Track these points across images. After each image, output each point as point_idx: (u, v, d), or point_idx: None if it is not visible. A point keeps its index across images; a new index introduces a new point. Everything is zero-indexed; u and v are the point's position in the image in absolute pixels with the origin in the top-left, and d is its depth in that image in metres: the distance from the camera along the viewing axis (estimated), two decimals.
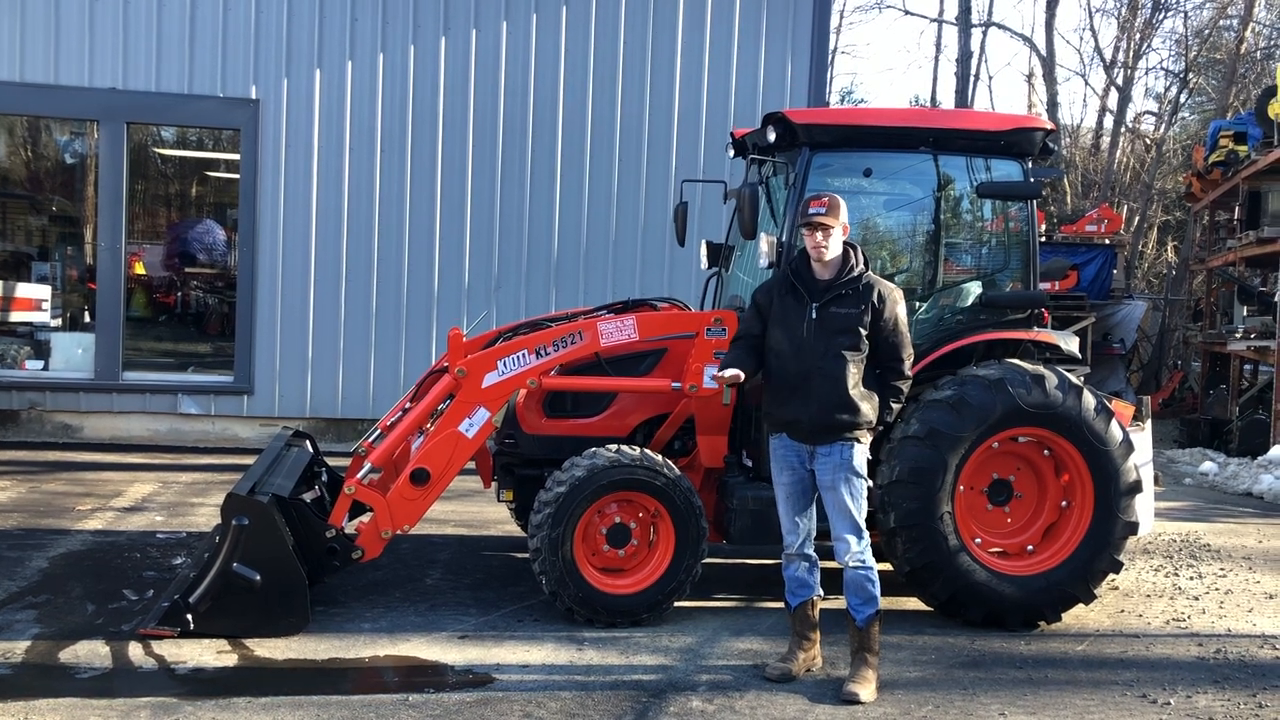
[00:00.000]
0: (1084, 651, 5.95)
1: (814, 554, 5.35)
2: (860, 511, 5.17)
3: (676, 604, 6.06)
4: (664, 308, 6.82)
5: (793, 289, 5.26)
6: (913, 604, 6.32)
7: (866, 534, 5.21)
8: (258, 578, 5.39)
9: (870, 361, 5.22)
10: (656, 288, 11.05)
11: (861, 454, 5.18)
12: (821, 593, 5.41)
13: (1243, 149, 17.02)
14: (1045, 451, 6.31)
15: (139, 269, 13.00)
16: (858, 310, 5.14)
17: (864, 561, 5.17)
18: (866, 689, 5.07)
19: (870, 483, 5.35)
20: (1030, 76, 31.36)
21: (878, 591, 5.21)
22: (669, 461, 6.01)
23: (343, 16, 11.16)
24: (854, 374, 5.13)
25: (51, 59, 10.79)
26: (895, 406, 5.29)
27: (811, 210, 5.18)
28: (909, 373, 5.30)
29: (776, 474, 5.33)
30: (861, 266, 5.24)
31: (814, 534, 5.34)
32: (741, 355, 5.34)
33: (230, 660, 5.21)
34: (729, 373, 5.24)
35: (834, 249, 5.19)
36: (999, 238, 6.76)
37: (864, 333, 5.14)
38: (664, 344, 6.37)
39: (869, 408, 5.16)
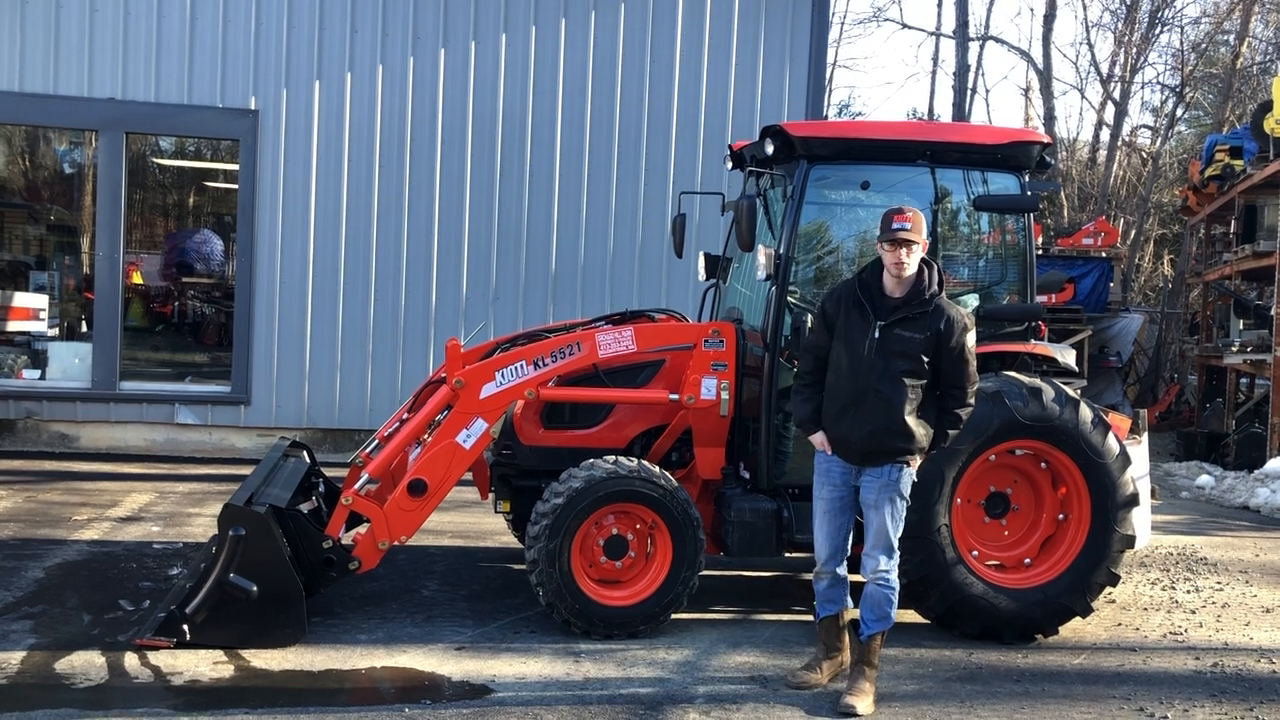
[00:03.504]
0: (1081, 665, 5.95)
1: (844, 572, 5.29)
2: (896, 532, 5.14)
3: (674, 616, 6.06)
4: (662, 319, 6.84)
5: (859, 304, 5.10)
6: (910, 617, 6.31)
7: (898, 554, 5.19)
8: (254, 588, 5.38)
9: (932, 385, 5.11)
10: (654, 299, 11.07)
11: (908, 477, 5.12)
12: (851, 604, 5.39)
13: (1239, 163, 17.08)
14: (1042, 464, 6.32)
15: (137, 279, 13.00)
16: (922, 336, 4.99)
17: (888, 581, 5.17)
18: (864, 701, 5.06)
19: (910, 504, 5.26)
20: (1027, 90, 31.49)
21: (893, 612, 5.20)
22: (666, 473, 6.01)
23: (342, 28, 11.19)
24: (910, 399, 5.02)
25: (51, 69, 10.81)
26: (952, 433, 5.20)
27: (895, 225, 4.98)
28: (971, 401, 5.13)
29: (817, 488, 5.26)
30: (935, 288, 5.07)
31: (847, 552, 5.28)
32: (816, 376, 5.24)
33: (227, 671, 5.20)
34: (819, 439, 5.20)
35: (913, 266, 5.04)
36: (996, 250, 6.78)
37: (925, 359, 5.01)
38: (662, 355, 6.38)
39: (922, 433, 5.07)
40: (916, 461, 5.15)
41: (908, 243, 4.98)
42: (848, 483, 5.18)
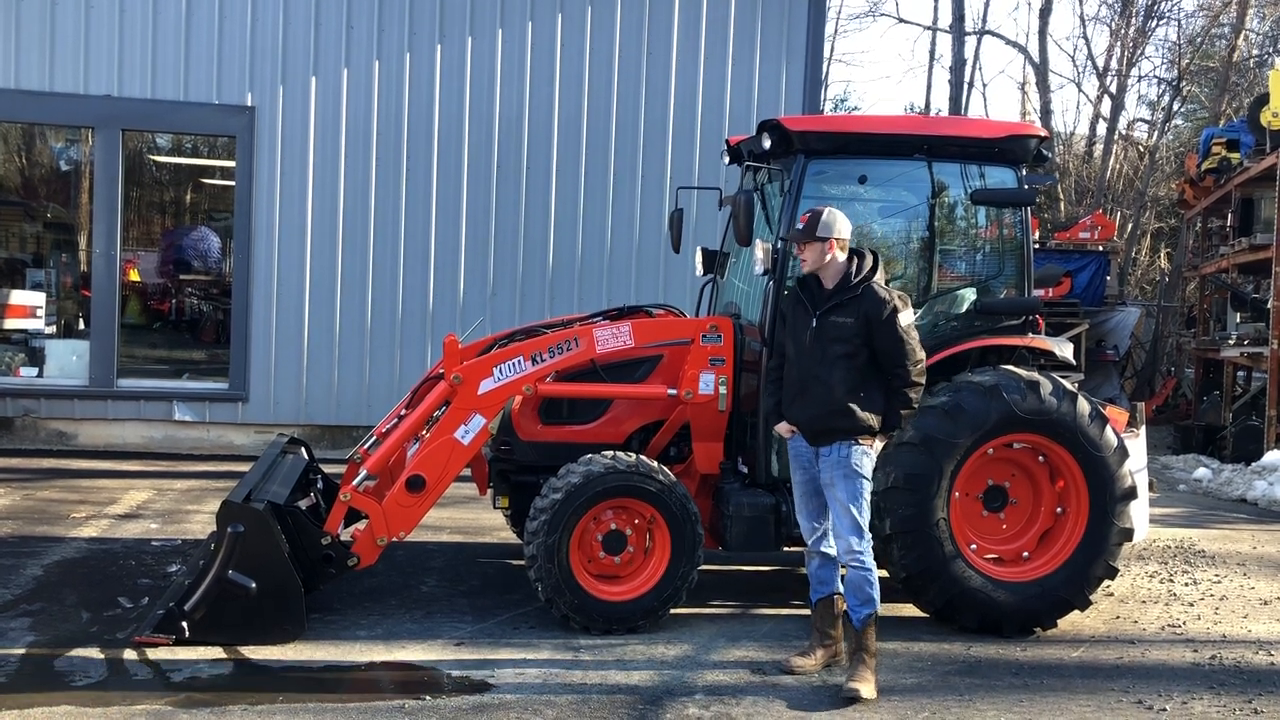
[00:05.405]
0: (1080, 658, 5.96)
1: (832, 551, 5.44)
2: (860, 512, 5.23)
3: (673, 611, 6.06)
4: (660, 314, 6.84)
5: (801, 300, 5.42)
6: (908, 610, 6.32)
7: (868, 535, 5.28)
8: (253, 585, 5.38)
9: (877, 367, 5.28)
10: (652, 294, 11.06)
11: (861, 454, 5.23)
12: (843, 590, 5.46)
13: (1235, 156, 17.06)
14: (1040, 458, 6.32)
15: (134, 276, 12.99)
16: (852, 319, 5.23)
17: (863, 562, 5.24)
18: (866, 686, 5.13)
19: (871, 484, 5.37)
20: (1024, 84, 31.47)
21: (876, 594, 5.27)
22: (664, 468, 6.01)
23: (339, 24, 11.17)
24: (849, 380, 5.22)
25: (46, 66, 10.79)
26: (904, 413, 5.33)
27: (794, 227, 5.43)
28: (915, 379, 5.28)
29: (792, 473, 5.51)
30: (864, 275, 5.32)
31: (831, 532, 5.42)
32: (779, 373, 5.58)
33: (226, 668, 5.20)
34: (782, 428, 5.46)
35: (814, 263, 5.35)
36: (993, 244, 6.77)
37: (859, 341, 5.22)
38: (660, 350, 6.38)
39: (867, 413, 5.22)
40: (872, 442, 5.28)
41: (799, 243, 5.34)
42: (814, 464, 5.37)
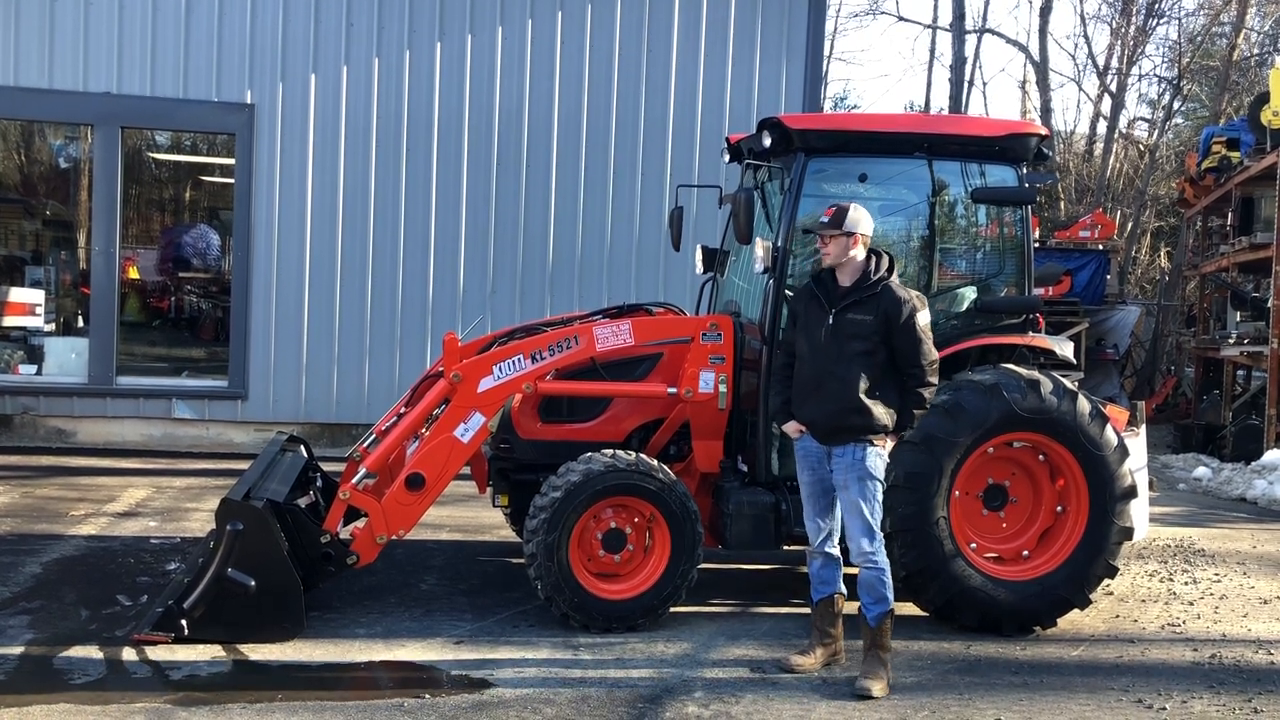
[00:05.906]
0: (1079, 656, 5.96)
1: (836, 552, 5.46)
2: (873, 513, 5.25)
3: (672, 609, 6.06)
4: (659, 313, 6.84)
5: (816, 297, 5.41)
6: (908, 609, 6.30)
7: (880, 535, 5.30)
8: (252, 583, 5.38)
9: (893, 366, 5.31)
10: (652, 293, 11.04)
11: (875, 456, 5.26)
12: (844, 591, 5.50)
13: (1235, 155, 17.05)
14: (1040, 457, 6.32)
15: (133, 274, 12.97)
16: (871, 317, 5.24)
17: (875, 563, 5.27)
18: (878, 684, 5.17)
19: (884, 485, 5.39)
20: (1024, 83, 31.46)
21: (889, 593, 5.30)
22: (664, 466, 6.01)
23: (338, 21, 11.15)
24: (866, 378, 5.23)
25: (46, 63, 10.77)
26: (918, 413, 5.36)
27: (820, 220, 5.39)
28: (930, 380, 5.31)
29: (799, 473, 5.50)
30: (882, 274, 5.34)
31: (836, 533, 5.44)
32: (787, 371, 5.54)
33: (225, 666, 5.20)
34: (791, 427, 5.45)
35: (836, 257, 5.33)
36: (993, 243, 6.77)
37: (877, 339, 5.24)
38: (660, 349, 6.38)
39: (882, 411, 5.24)
40: (885, 442, 5.30)
41: (822, 236, 5.34)
42: (824, 464, 5.36)
